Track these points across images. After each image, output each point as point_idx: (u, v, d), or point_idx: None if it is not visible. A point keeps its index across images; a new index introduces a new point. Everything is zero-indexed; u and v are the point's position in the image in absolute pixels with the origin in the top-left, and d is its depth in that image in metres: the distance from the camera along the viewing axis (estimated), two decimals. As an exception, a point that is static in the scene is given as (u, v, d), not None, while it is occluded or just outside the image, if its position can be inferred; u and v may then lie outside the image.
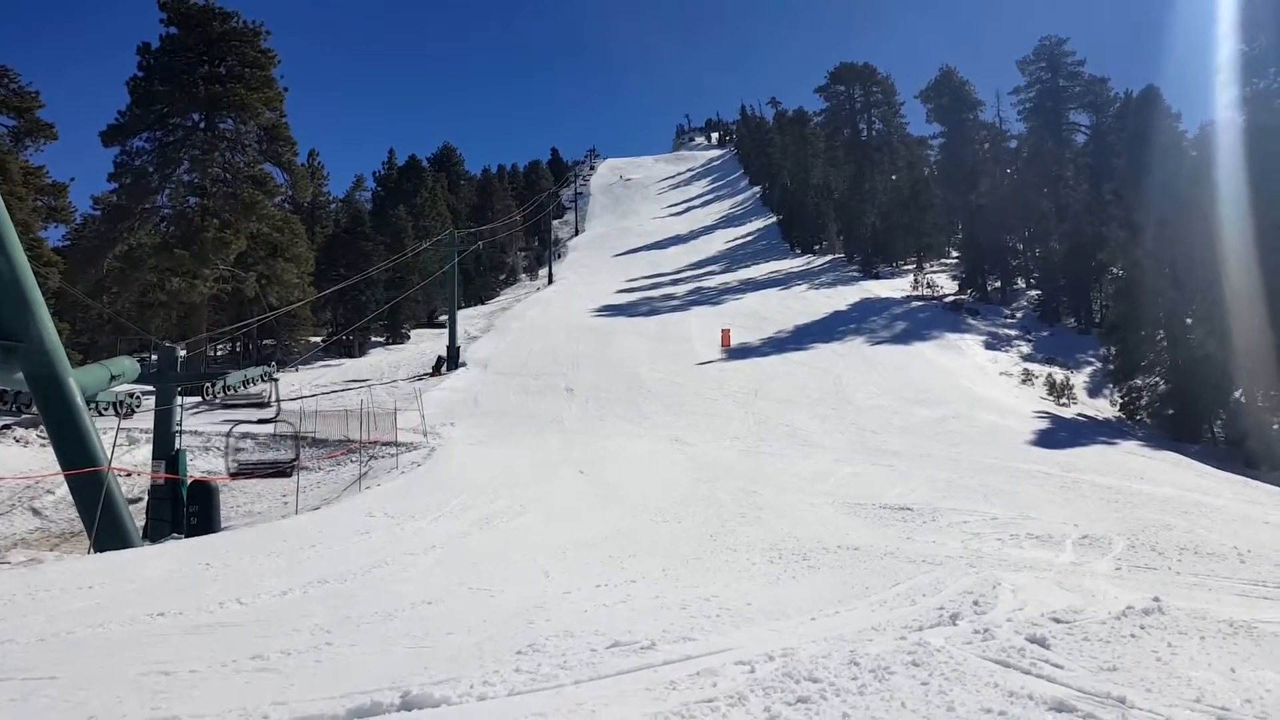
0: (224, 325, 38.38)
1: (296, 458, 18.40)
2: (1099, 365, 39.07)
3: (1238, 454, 27.51)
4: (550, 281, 66.06)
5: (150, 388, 17.94)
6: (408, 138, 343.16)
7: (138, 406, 17.38)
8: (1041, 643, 5.14)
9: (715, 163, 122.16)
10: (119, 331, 40.23)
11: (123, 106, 39.47)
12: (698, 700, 4.19)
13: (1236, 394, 30.85)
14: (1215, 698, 4.12)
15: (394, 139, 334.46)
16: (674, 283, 60.34)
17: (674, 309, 50.79)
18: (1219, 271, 30.56)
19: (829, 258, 67.84)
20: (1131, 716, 3.89)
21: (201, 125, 40.48)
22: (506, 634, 6.24)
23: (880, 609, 7.26)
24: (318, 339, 45.25)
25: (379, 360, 42.19)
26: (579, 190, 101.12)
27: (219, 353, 45.86)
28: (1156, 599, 6.16)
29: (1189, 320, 32.60)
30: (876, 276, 59.27)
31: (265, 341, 45.83)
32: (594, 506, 15.44)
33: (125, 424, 20.82)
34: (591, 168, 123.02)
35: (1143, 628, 5.48)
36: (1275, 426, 27.94)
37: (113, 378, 15.90)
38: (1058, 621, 5.80)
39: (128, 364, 16.76)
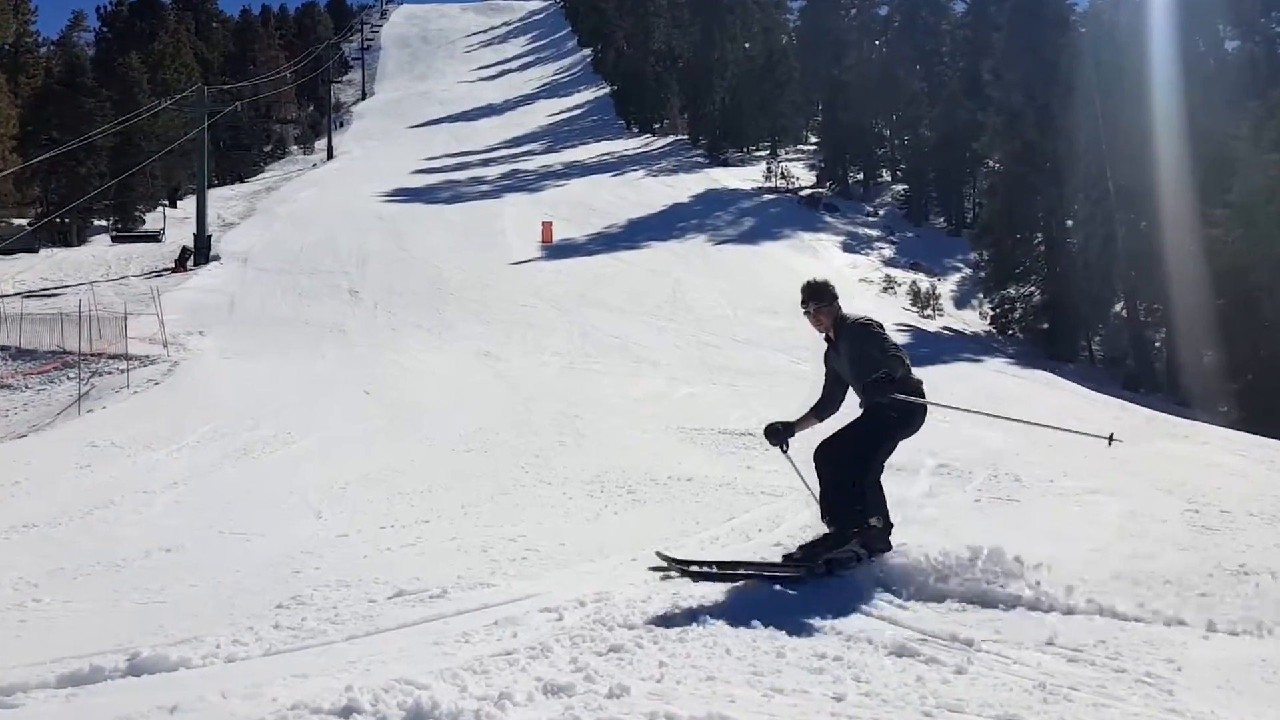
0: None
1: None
2: (969, 272, 41.33)
3: (1116, 374, 29.59)
4: (330, 157, 64.44)
5: None
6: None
7: None
8: (885, 584, 5.49)
9: (537, 17, 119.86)
10: None
11: None
12: (494, 654, 4.26)
13: (1118, 307, 32.81)
14: (1070, 639, 4.51)
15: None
16: (485, 164, 59.61)
17: (484, 195, 50.29)
18: (1105, 167, 32.02)
19: (670, 139, 68.37)
20: (978, 660, 4.19)
21: None
22: (265, 585, 6.18)
23: (711, 546, 7.57)
24: (23, 221, 42.37)
25: (103, 251, 40.10)
26: (367, 43, 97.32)
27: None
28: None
29: (1070, 222, 34.40)
30: (724, 164, 60.23)
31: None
32: (382, 434, 15.38)
33: None
34: (383, 15, 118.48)
35: (999, 566, 5.90)
36: (1157, 344, 29.94)
37: None
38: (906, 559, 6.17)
39: None
